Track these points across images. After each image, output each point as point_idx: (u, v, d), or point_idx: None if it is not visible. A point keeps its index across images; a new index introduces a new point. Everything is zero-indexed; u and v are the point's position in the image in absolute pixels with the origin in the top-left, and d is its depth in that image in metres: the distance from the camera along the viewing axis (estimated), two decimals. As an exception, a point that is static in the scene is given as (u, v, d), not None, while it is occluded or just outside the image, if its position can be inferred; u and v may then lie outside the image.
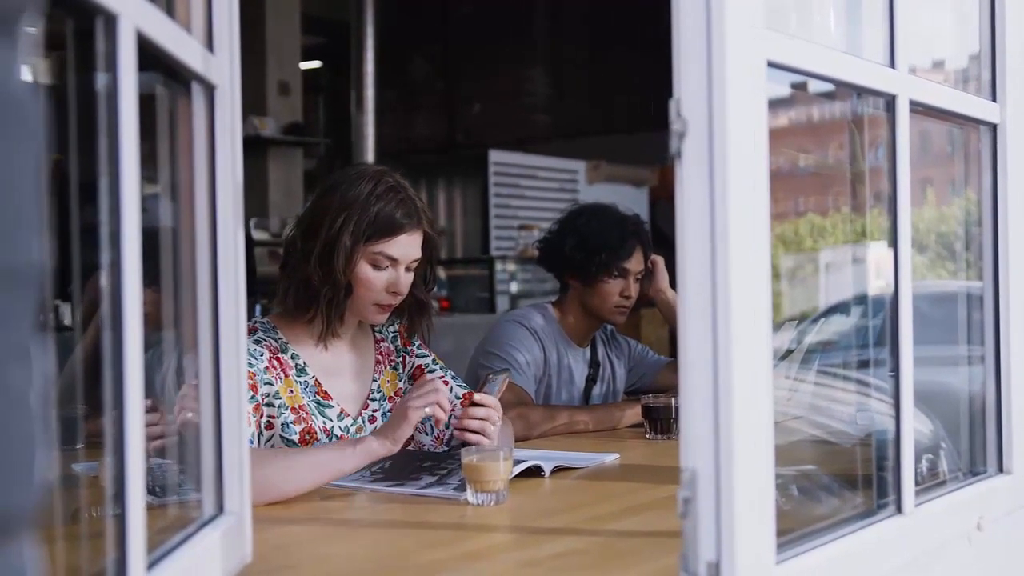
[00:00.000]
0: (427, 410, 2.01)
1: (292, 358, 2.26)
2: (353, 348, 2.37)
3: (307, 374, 2.26)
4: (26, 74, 0.55)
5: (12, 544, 0.53)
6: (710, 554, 1.19)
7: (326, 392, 2.28)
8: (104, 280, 1.02)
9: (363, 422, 2.33)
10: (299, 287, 2.24)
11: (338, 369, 2.33)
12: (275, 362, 2.22)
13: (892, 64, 1.55)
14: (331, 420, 2.26)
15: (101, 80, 1.02)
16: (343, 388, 2.32)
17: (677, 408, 2.72)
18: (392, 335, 2.47)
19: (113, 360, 1.01)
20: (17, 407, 0.52)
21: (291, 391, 2.22)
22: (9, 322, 0.52)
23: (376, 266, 2.23)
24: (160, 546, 1.18)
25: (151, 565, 1.09)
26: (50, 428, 0.56)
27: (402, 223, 2.23)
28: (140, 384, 1.02)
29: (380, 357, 2.42)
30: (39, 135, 0.55)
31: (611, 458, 2.40)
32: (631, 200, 7.30)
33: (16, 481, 0.53)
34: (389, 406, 2.38)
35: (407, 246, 2.25)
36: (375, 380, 2.39)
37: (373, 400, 2.37)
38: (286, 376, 2.23)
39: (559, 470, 2.23)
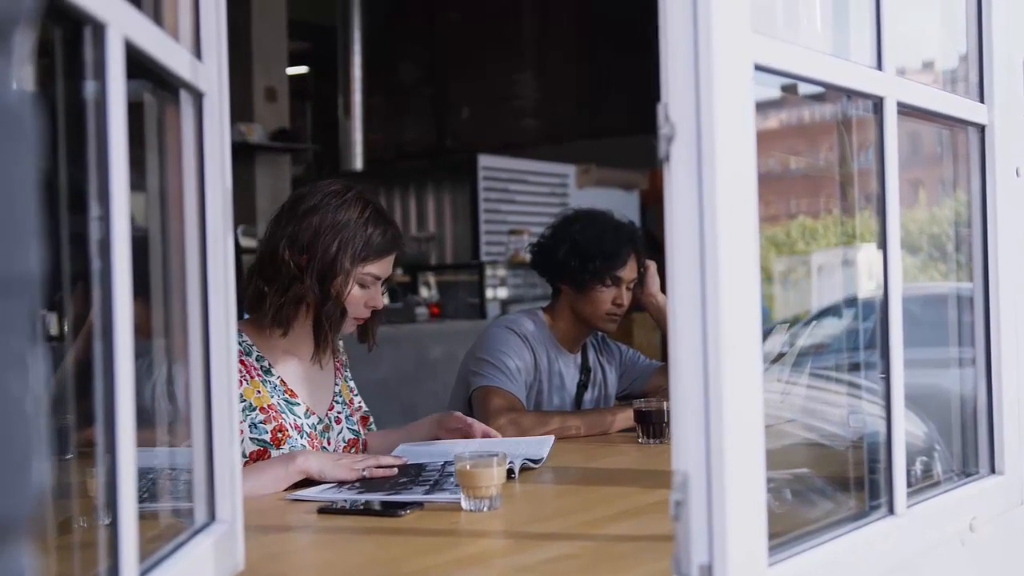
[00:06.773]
0: (365, 473, 2.17)
1: (257, 360, 2.34)
2: None
3: (273, 375, 2.35)
4: (21, 83, 0.55)
5: (10, 550, 0.53)
6: (702, 556, 1.19)
7: (292, 391, 2.37)
8: (95, 289, 1.01)
9: (330, 421, 2.44)
10: (290, 304, 2.31)
11: (303, 373, 2.42)
12: (239, 365, 2.27)
13: (879, 66, 1.55)
14: (300, 417, 2.35)
15: (89, 88, 1.02)
16: (308, 391, 2.42)
17: (669, 412, 2.73)
18: (342, 348, 2.60)
19: (104, 369, 1.00)
20: (14, 414, 0.52)
21: (258, 392, 2.30)
22: (7, 330, 0.52)
23: (362, 285, 2.35)
24: (152, 554, 1.18)
25: (143, 573, 1.09)
26: (46, 435, 0.56)
27: (392, 247, 2.37)
28: (131, 393, 1.02)
29: (339, 366, 2.55)
30: (35, 144, 0.55)
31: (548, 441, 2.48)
32: (621, 204, 7.30)
33: (14, 488, 0.53)
34: (349, 411, 2.51)
35: (390, 265, 2.40)
36: (336, 385, 2.51)
37: (337, 403, 2.49)
38: (252, 378, 2.31)
39: (525, 470, 2.26)
